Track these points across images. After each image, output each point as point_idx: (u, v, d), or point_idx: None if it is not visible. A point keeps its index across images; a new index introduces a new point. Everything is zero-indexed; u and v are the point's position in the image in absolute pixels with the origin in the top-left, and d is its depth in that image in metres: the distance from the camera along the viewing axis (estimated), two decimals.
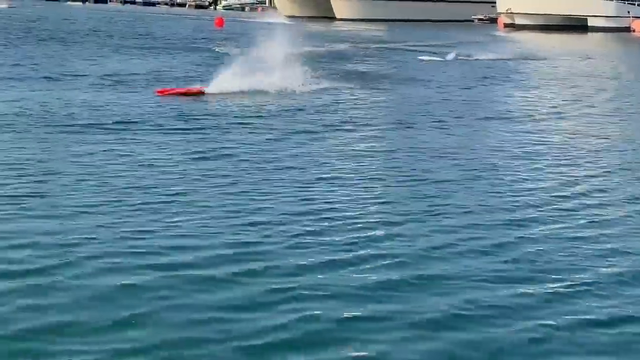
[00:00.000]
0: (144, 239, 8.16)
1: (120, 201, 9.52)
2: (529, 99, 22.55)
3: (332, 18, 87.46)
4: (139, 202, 9.53)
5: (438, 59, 34.77)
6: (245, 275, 7.26)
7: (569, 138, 15.85)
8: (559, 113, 19.76)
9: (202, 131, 14.63)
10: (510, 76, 29.31)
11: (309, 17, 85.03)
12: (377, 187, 10.79)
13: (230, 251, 7.90)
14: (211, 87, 19.75)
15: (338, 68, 28.26)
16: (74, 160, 11.69)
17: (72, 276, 7.07)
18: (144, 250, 7.81)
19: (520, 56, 38.48)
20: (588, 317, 6.68)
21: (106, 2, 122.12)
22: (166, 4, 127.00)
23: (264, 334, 6.10)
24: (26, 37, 37.76)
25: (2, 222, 8.59)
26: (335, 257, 7.83)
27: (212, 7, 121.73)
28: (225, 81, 19.91)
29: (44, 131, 13.93)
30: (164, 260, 7.57)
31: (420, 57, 35.03)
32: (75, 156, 11.96)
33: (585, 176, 12.22)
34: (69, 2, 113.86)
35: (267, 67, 20.52)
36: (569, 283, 7.43)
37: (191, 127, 15.00)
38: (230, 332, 6.11)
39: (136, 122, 15.16)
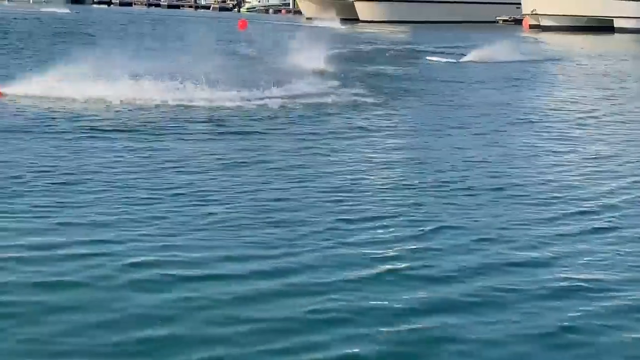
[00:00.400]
0: (172, 250, 7.93)
1: (144, 211, 9.30)
2: (564, 103, 22.10)
3: (356, 20, 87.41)
4: (165, 210, 9.33)
5: (454, 60, 34.40)
6: (278, 289, 7.04)
7: (606, 145, 15.41)
8: (596, 117, 19.36)
9: (236, 137, 14.39)
10: (541, 78, 28.96)
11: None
12: (407, 196, 10.49)
13: (262, 263, 7.66)
14: (10, 88, 17.56)
15: (359, 69, 28.03)
16: (98, 166, 11.49)
17: (104, 289, 6.90)
18: (175, 260, 7.59)
19: (549, 58, 38.08)
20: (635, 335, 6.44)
21: (131, 5, 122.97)
22: (190, 6, 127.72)
23: (298, 353, 5.89)
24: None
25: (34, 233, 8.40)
26: (369, 271, 7.58)
27: (235, 10, 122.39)
28: (33, 84, 17.58)
29: (65, 136, 13.79)
30: (195, 273, 7.34)
31: (429, 58, 34.62)
32: (99, 162, 11.77)
33: (626, 184, 11.84)
34: (94, 5, 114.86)
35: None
36: (616, 297, 7.18)
37: (219, 132, 14.76)
38: (265, 349, 5.92)
39: (164, 126, 14.98)
